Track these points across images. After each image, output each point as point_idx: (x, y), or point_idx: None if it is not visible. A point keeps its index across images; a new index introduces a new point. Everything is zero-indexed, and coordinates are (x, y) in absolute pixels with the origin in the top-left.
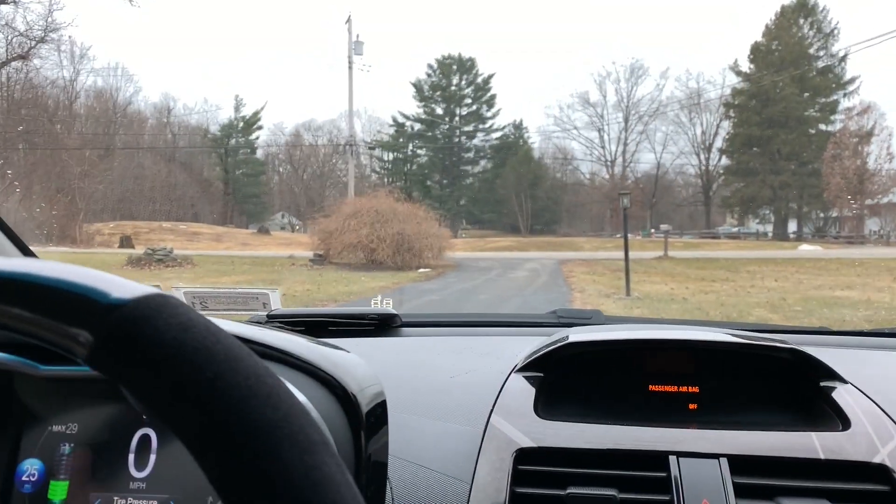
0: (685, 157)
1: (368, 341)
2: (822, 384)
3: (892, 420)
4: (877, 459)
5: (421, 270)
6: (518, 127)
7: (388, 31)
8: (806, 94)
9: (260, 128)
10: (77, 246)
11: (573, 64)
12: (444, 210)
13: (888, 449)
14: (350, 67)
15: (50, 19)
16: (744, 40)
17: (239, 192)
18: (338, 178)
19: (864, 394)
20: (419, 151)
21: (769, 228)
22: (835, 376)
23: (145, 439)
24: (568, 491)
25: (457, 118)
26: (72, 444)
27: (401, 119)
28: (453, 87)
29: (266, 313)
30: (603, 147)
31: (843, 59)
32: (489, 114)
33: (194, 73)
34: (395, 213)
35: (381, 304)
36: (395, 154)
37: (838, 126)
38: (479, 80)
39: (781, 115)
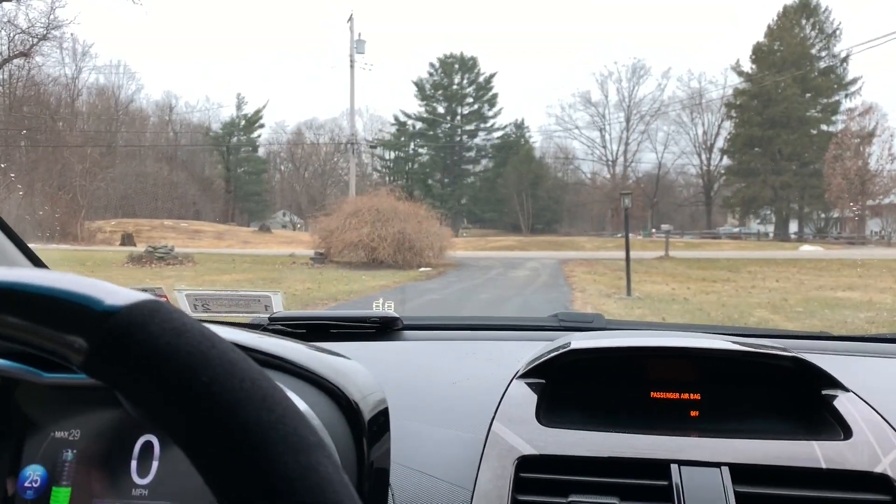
0: (686, 157)
1: (370, 346)
2: (823, 392)
3: (894, 429)
4: (878, 469)
5: (422, 269)
6: (519, 126)
7: (390, 30)
8: (808, 95)
9: (261, 126)
10: (78, 243)
11: (574, 63)
12: (445, 209)
13: (890, 458)
14: (352, 66)
15: (52, 17)
16: (746, 40)
17: (240, 190)
18: (339, 176)
19: (866, 402)
20: (420, 150)
21: (770, 229)
22: (836, 384)
23: (148, 446)
24: (569, 499)
25: (458, 117)
26: (74, 451)
27: (402, 118)
28: (455, 86)
29: (268, 316)
30: (604, 147)
31: (845, 59)
32: (491, 113)
33: (196, 71)
34: (397, 211)
35: (383, 307)
36: (397, 153)
37: (840, 127)
38: (481, 79)
39: (783, 116)
